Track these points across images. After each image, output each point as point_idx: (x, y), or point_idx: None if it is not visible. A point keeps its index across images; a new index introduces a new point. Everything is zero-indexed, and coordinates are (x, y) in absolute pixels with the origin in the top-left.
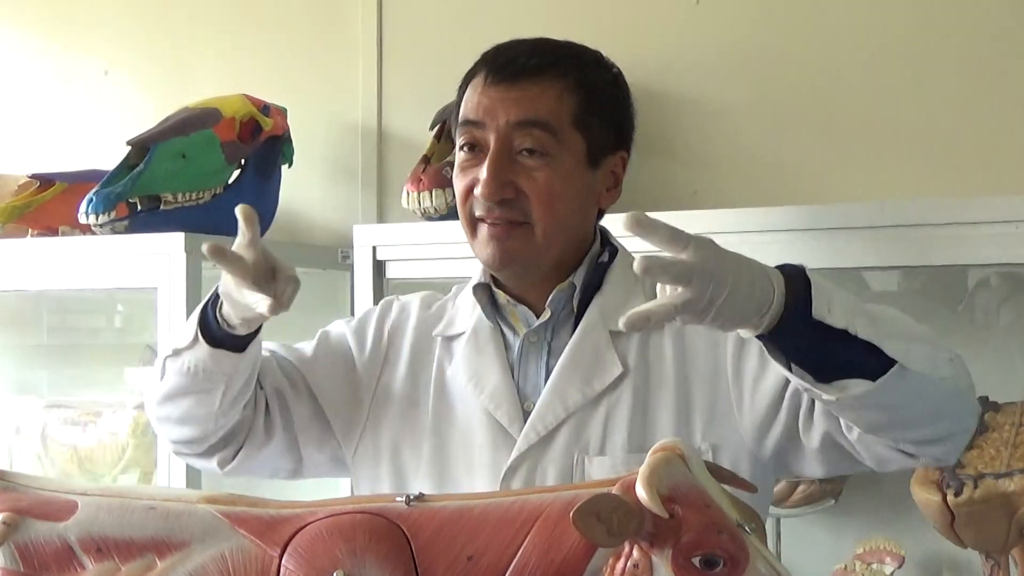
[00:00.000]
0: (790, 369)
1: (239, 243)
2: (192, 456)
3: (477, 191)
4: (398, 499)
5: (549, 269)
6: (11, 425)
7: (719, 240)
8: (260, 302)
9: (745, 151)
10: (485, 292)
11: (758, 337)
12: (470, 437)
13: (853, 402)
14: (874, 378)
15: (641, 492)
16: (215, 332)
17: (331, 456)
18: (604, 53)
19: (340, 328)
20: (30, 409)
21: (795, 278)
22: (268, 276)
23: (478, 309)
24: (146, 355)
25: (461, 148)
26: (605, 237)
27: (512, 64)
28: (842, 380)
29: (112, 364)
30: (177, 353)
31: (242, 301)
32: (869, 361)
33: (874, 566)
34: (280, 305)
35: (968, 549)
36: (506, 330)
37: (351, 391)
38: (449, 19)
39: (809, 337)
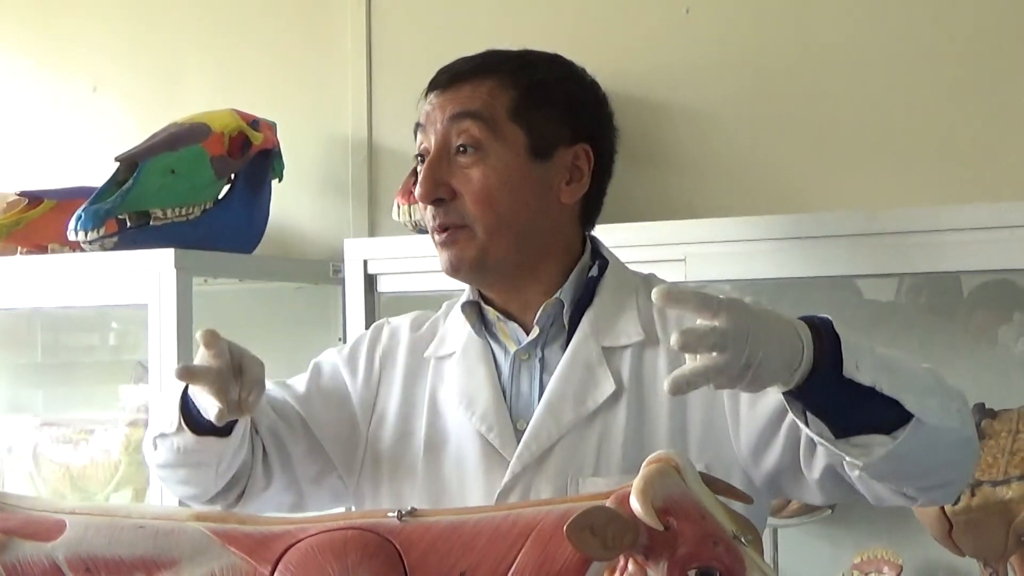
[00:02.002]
0: (806, 421)
1: (204, 355)
2: (197, 503)
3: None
4: (390, 515)
5: (522, 273)
6: (3, 444)
7: (715, 248)
8: (210, 408)
9: (739, 160)
10: (474, 309)
11: (783, 393)
12: (463, 460)
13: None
14: (888, 430)
15: (635, 504)
16: (197, 419)
17: (330, 489)
18: (593, 63)
19: (332, 358)
20: (23, 428)
21: (822, 330)
22: (236, 374)
23: (468, 327)
24: (138, 372)
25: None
26: (596, 249)
27: (449, 71)
28: (859, 436)
29: (107, 381)
30: (164, 436)
31: (202, 404)
32: (886, 414)
33: (872, 575)
34: (239, 410)
35: (966, 557)
36: (496, 347)
37: (348, 424)
38: (438, 31)
39: (834, 393)
